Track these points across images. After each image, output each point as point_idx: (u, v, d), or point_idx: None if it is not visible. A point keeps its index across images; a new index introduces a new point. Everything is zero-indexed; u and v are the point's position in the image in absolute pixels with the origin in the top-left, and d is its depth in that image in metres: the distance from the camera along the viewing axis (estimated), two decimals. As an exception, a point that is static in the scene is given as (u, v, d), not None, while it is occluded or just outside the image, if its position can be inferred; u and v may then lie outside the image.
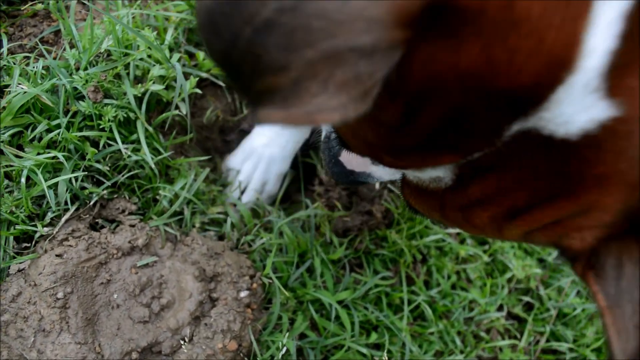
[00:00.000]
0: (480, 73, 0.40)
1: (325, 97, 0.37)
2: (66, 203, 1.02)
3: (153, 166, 1.05)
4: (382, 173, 0.83)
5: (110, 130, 1.04)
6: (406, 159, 0.54)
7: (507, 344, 1.35)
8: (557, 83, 0.39)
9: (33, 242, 1.02)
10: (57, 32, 1.15)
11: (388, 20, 0.35)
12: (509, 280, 1.42)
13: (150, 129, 1.07)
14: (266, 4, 0.36)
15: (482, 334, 1.35)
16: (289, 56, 0.36)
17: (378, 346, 1.22)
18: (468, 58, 0.39)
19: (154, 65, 1.06)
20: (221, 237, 1.18)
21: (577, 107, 0.40)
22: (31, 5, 1.13)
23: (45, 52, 1.05)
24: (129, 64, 1.06)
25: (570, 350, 1.43)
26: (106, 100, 1.05)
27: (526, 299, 1.43)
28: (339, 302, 1.16)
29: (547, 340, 1.43)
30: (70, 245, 1.00)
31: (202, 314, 1.02)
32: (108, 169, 1.06)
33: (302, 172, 1.29)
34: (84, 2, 1.17)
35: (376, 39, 0.36)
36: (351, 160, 0.84)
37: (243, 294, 1.05)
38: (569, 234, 0.50)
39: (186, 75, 1.13)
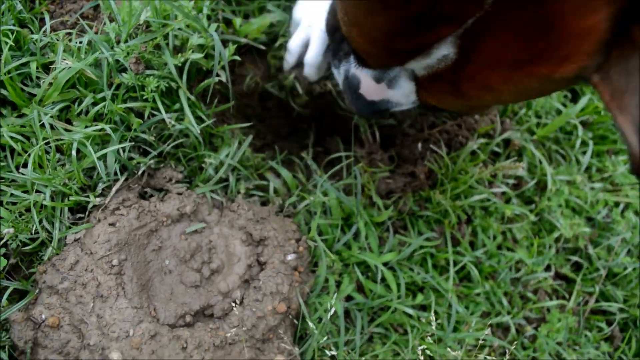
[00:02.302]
0: None
1: None
2: (115, 174, 1.05)
3: (198, 134, 1.06)
4: (400, 97, 0.88)
5: (154, 101, 1.05)
6: (413, 41, 0.64)
7: (555, 304, 1.34)
8: None
9: (86, 213, 1.05)
10: (96, 7, 1.16)
11: None
12: (557, 240, 1.39)
13: (192, 97, 1.08)
14: None
15: (529, 294, 1.34)
16: None
17: (424, 307, 1.22)
18: None
19: (192, 34, 1.06)
20: (264, 203, 1.19)
21: None
22: (70, -20, 1.14)
23: (87, 27, 1.06)
24: (167, 34, 1.07)
25: (621, 310, 1.40)
26: (147, 71, 1.06)
27: (574, 258, 1.40)
28: (384, 264, 1.17)
29: (597, 301, 1.41)
30: (122, 214, 1.03)
31: (250, 278, 1.04)
32: (153, 139, 1.08)
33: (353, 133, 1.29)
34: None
35: None
36: (369, 92, 0.90)
37: (290, 257, 1.06)
38: (566, 66, 0.59)
39: (224, 43, 1.14)
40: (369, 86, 0.89)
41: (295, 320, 1.05)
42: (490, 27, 0.59)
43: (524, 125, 1.41)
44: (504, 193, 1.36)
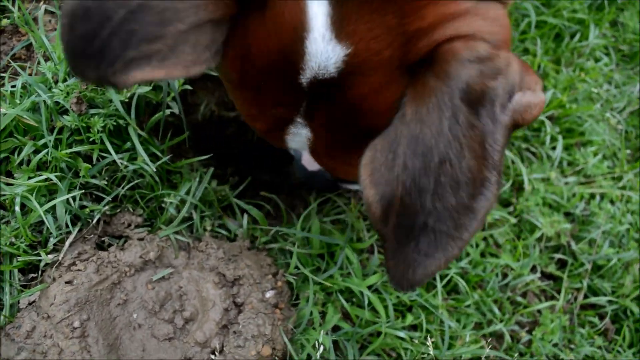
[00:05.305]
0: (263, 42, 0.60)
1: (193, 56, 0.55)
2: (67, 225, 0.96)
3: (153, 173, 0.98)
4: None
5: (101, 142, 0.96)
6: (269, 117, 0.71)
7: (545, 306, 1.29)
8: (303, 39, 0.58)
9: (39, 272, 0.95)
10: (29, 47, 1.07)
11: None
12: (539, 240, 1.36)
13: (144, 134, 1.00)
14: None
15: (519, 298, 1.29)
16: (163, 29, 0.52)
17: (415, 327, 1.16)
18: (255, 35, 0.60)
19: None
20: (234, 239, 1.11)
21: (326, 54, 0.59)
22: (-3, 21, 1.05)
23: (19, 70, 0.97)
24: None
25: (610, 302, 1.37)
26: (92, 111, 0.97)
27: (558, 256, 1.37)
28: (369, 288, 1.10)
29: (585, 296, 1.37)
30: (79, 270, 0.93)
31: (229, 322, 0.96)
32: (106, 183, 0.99)
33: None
34: (52, 11, 1.09)
35: (209, 14, 0.55)
36: (309, 163, 0.96)
37: (269, 294, 0.98)
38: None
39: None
40: (308, 159, 0.93)
41: (282, 362, 0.97)
42: (313, 113, 0.68)
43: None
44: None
